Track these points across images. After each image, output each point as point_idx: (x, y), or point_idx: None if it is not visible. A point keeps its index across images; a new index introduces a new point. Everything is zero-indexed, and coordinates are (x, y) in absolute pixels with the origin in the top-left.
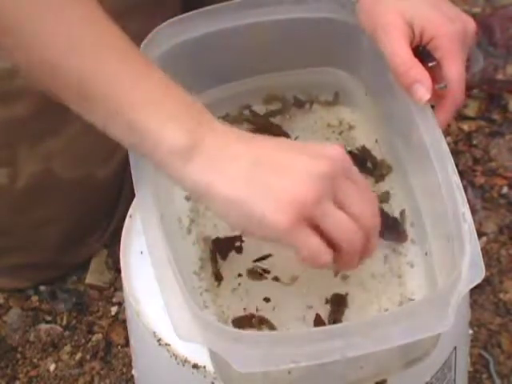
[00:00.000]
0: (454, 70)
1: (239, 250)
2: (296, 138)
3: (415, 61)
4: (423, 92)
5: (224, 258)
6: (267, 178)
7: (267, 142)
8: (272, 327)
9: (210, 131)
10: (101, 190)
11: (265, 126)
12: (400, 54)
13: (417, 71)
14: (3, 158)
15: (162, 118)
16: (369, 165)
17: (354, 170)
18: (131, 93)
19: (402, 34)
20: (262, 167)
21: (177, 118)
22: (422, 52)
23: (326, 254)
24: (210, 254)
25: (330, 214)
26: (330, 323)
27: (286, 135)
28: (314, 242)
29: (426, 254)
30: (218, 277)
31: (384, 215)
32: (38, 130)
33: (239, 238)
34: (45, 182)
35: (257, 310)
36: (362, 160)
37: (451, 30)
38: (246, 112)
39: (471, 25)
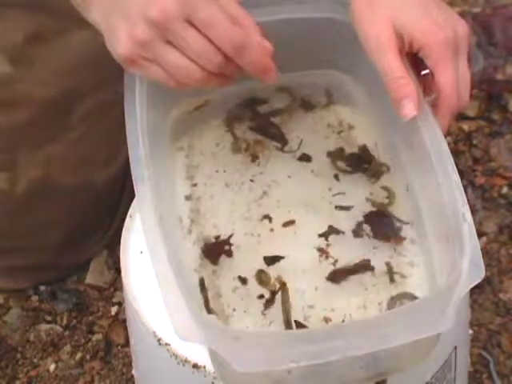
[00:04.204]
0: (444, 78)
1: (229, 253)
2: (297, 138)
3: (407, 76)
4: (410, 109)
5: (215, 262)
6: (115, 20)
7: None
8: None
9: None
10: (101, 194)
11: (264, 124)
12: (392, 67)
13: (407, 87)
14: (3, 163)
15: None
16: (368, 163)
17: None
18: None
19: (394, 45)
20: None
21: None
22: (417, 60)
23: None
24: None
25: (162, 55)
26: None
27: (283, 136)
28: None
29: (426, 253)
30: (209, 310)
31: (383, 216)
32: (38, 136)
33: (227, 242)
34: (44, 186)
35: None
36: (362, 159)
37: (440, 38)
38: (248, 110)
39: (462, 28)
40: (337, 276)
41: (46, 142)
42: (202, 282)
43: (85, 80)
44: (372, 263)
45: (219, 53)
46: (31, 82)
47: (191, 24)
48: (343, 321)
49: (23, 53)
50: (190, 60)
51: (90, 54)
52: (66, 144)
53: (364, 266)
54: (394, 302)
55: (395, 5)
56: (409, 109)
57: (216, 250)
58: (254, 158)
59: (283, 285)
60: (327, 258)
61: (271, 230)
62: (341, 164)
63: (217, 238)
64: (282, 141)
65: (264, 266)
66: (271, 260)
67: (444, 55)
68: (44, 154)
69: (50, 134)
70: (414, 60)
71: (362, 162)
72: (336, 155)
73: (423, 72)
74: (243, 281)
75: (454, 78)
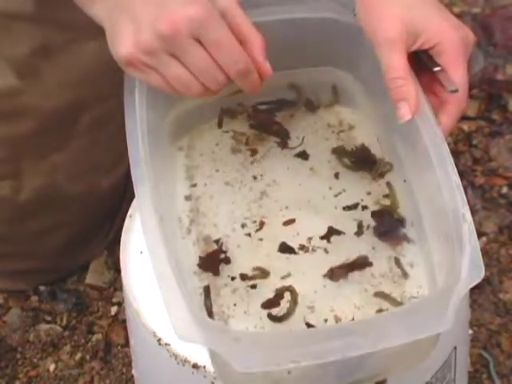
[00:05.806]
0: (459, 76)
1: (227, 260)
2: (297, 138)
3: (408, 77)
4: (405, 111)
5: (216, 273)
6: (120, 20)
7: None
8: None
9: None
10: (103, 200)
11: (266, 121)
12: (396, 66)
13: (406, 88)
14: (7, 172)
15: None
16: (368, 163)
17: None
18: None
19: (402, 42)
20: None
21: None
22: (422, 57)
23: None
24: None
25: (164, 65)
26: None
27: (286, 132)
28: (156, 78)
29: (426, 253)
30: (210, 314)
31: (383, 216)
32: (43, 146)
33: (221, 251)
34: (48, 194)
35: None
36: (362, 158)
37: (455, 37)
38: (250, 108)
39: (471, 37)
40: (335, 274)
41: (50, 152)
42: (207, 290)
43: (90, 91)
44: (372, 263)
45: (222, 73)
46: (37, 94)
47: (199, 41)
48: (343, 321)
49: (30, 65)
50: (191, 74)
51: (96, 66)
52: (70, 153)
53: (361, 264)
54: (394, 301)
55: (408, 4)
56: (404, 111)
57: (213, 262)
58: (254, 152)
59: (291, 289)
60: (327, 258)
61: (271, 229)
62: (346, 161)
63: (216, 241)
64: (285, 138)
65: (264, 266)
66: (285, 248)
67: (458, 53)
68: (48, 163)
69: (54, 144)
70: (419, 60)
71: (365, 161)
72: (342, 152)
73: (435, 69)
74: (244, 281)
75: (466, 76)
